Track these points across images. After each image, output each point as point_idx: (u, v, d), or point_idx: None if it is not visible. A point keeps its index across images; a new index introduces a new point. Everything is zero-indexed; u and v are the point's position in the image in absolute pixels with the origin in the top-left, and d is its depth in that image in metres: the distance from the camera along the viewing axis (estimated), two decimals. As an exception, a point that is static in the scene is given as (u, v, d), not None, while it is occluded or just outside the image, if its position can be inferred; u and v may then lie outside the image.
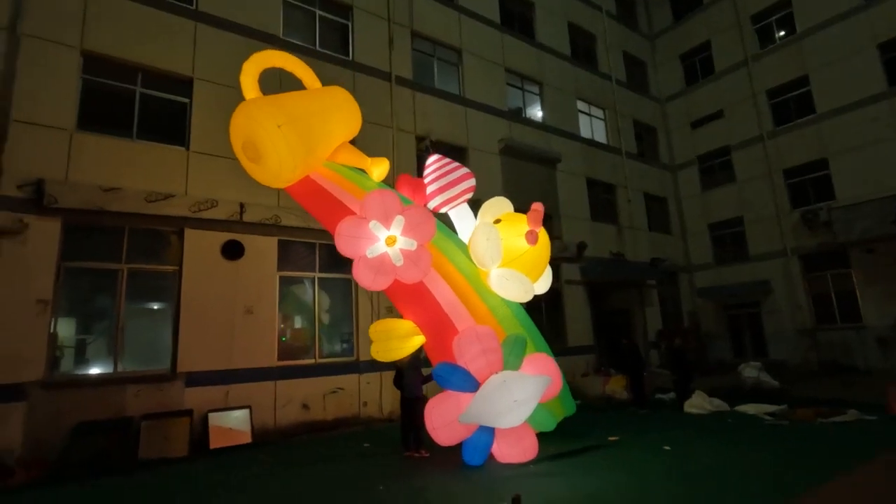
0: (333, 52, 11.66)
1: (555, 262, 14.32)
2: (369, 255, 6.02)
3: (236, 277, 9.15)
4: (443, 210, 7.58)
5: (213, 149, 9.13)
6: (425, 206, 7.47)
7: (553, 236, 14.59)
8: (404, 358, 6.85)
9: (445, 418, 5.97)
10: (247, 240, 9.33)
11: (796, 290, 16.21)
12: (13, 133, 7.62)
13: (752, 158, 17.76)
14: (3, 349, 7.03)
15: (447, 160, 7.82)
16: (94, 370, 7.99)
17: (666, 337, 16.65)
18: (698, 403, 9.25)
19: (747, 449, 6.38)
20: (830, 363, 14.68)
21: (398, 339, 6.60)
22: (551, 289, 14.14)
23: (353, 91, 11.27)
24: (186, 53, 9.49)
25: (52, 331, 7.51)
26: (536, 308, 13.72)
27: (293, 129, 5.60)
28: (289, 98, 5.88)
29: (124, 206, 8.17)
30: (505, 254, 6.65)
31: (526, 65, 15.86)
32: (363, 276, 6.07)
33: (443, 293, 6.71)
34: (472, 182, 7.67)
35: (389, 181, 7.90)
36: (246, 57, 6.63)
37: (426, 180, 7.59)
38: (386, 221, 6.06)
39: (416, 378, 7.01)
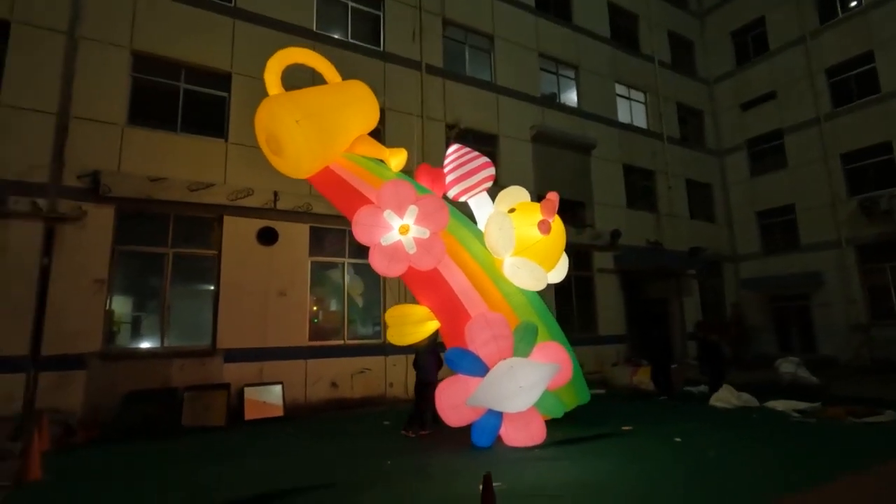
0: (365, 44, 11.94)
1: (587, 250, 14.25)
2: (383, 243, 6.31)
3: (270, 262, 9.72)
4: (462, 199, 7.74)
5: (250, 140, 9.58)
6: (444, 195, 7.69)
7: (585, 224, 14.49)
8: (422, 341, 7.14)
9: (454, 400, 6.21)
10: (280, 226, 9.87)
11: (850, 283, 15.26)
12: (73, 128, 8.40)
13: (806, 142, 16.70)
14: (67, 323, 7.89)
15: (467, 149, 7.94)
16: (145, 344, 8.81)
17: (705, 329, 16.14)
18: (725, 397, 9.04)
19: (762, 445, 6.26)
20: (884, 361, 13.79)
21: (413, 324, 6.89)
22: (583, 277, 14.19)
23: (384, 81, 11.63)
24: (225, 49, 10.04)
25: (107, 308, 8.34)
26: (566, 296, 13.70)
27: (310, 124, 5.93)
28: (308, 94, 6.20)
29: (169, 195, 8.85)
30: (518, 243, 6.76)
31: (561, 49, 15.55)
32: (378, 263, 6.37)
33: (457, 280, 6.92)
34: (491, 171, 7.77)
35: (411, 170, 8.15)
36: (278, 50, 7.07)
37: (445, 169, 7.75)
38: (399, 211, 6.31)
39: (431, 362, 7.29)
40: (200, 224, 9.38)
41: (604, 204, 15.21)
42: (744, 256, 18.30)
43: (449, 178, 7.67)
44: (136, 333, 8.90)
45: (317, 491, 4.73)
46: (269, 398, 9.03)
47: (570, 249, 13.89)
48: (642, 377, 11.87)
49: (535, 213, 6.99)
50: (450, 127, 12.61)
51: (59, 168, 8.20)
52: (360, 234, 6.31)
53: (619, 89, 16.92)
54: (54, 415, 7.30)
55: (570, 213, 14.88)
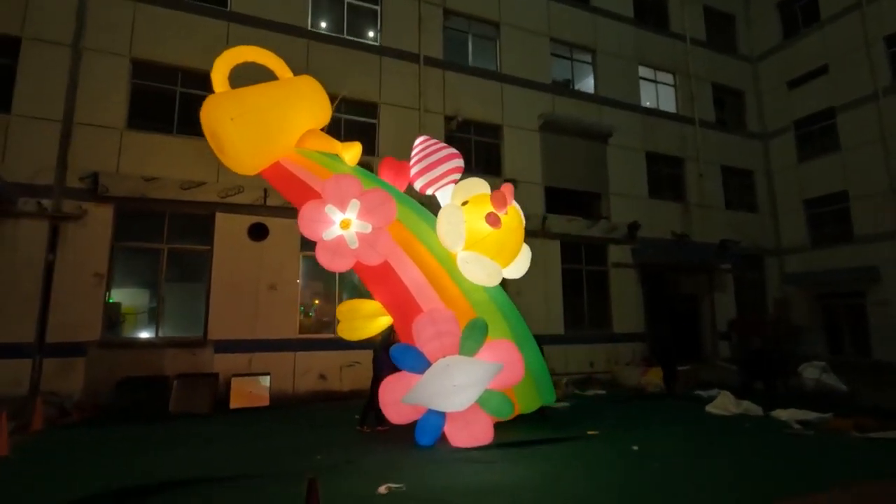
0: (361, 39, 11.98)
1: (601, 244, 13.56)
2: (325, 238, 6.30)
3: (261, 257, 10.05)
4: (428, 192, 7.58)
5: (240, 139, 10.00)
6: (409, 186, 7.58)
7: (600, 216, 13.79)
8: (376, 336, 7.09)
9: (395, 397, 6.13)
10: (271, 222, 10.16)
11: (911, 279, 13.51)
12: (76, 134, 9.07)
13: (861, 121, 14.90)
14: (69, 314, 8.57)
15: (433, 141, 7.77)
16: (140, 334, 9.39)
17: (740, 328, 14.93)
18: (722, 404, 8.30)
19: (729, 457, 5.67)
20: (948, 368, 12.13)
21: (362, 318, 6.87)
22: (596, 271, 13.56)
23: (381, 75, 11.60)
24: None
25: (106, 300, 8.96)
26: (577, 291, 13.16)
27: (245, 122, 6.03)
28: (247, 91, 6.29)
29: (163, 194, 9.36)
30: (469, 236, 6.53)
31: (577, 32, 14.83)
32: (322, 258, 6.37)
33: (410, 275, 6.78)
34: (458, 163, 7.54)
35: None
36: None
37: (412, 161, 7.63)
38: (341, 205, 6.27)
39: (384, 358, 7.22)
40: (194, 221, 9.84)
41: (621, 195, 14.40)
42: (789, 249, 16.70)
43: (414, 171, 7.53)
44: (133, 324, 9.51)
45: (219, 483, 4.81)
46: (255, 388, 9.36)
47: (582, 243, 13.44)
48: (652, 378, 11.19)
49: (488, 205, 6.70)
50: (449, 119, 12.41)
51: (63, 171, 8.88)
52: (304, 229, 6.32)
53: (644, 72, 15.90)
54: (51, 397, 7.98)
55: (583, 204, 14.25)
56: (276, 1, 11.08)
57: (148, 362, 8.94)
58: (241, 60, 6.58)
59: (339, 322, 7.00)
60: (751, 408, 8.15)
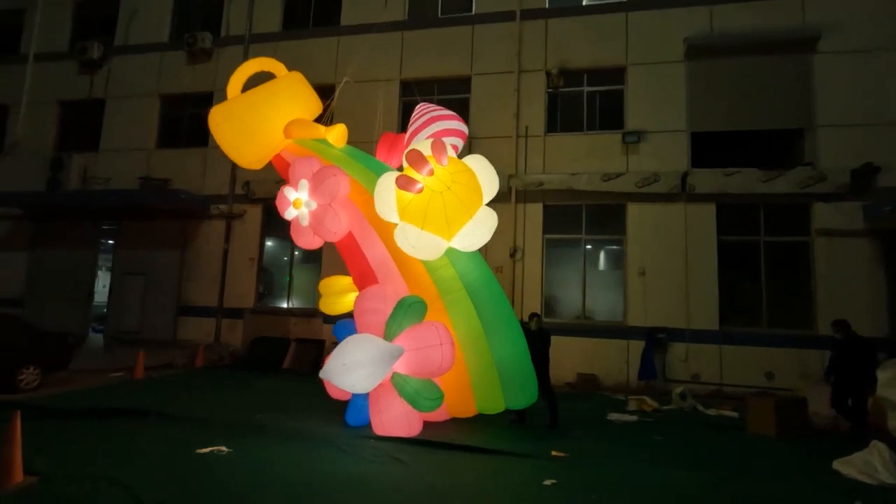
0: (454, 14, 11.71)
1: (798, 203, 9.47)
2: (287, 218, 6.79)
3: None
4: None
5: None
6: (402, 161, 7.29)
7: (794, 162, 9.58)
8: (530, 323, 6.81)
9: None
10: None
11: None
12: (239, 154, 12.16)
13: None
14: (236, 287, 11.68)
15: (431, 106, 7.20)
16: (279, 304, 11.91)
17: None
18: (864, 463, 4.76)
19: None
20: None
21: (335, 294, 7.02)
22: (787, 244, 9.52)
23: (473, 45, 11.16)
24: (341, 65, 12.04)
25: (256, 277, 11.78)
26: (748, 272, 9.66)
27: (229, 124, 7.00)
28: (237, 98, 7.21)
29: (289, 192, 11.55)
30: (398, 205, 5.87)
31: None
32: (292, 237, 6.93)
33: (375, 250, 6.59)
34: (452, 125, 6.84)
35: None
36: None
37: (408, 133, 7.31)
38: (294, 185, 6.64)
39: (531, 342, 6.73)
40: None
41: (839, 126, 9.45)
42: None
43: (406, 139, 7.20)
44: (272, 297, 12.12)
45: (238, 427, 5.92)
46: (348, 356, 10.58)
47: (759, 204, 9.46)
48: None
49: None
50: (550, 75, 10.80)
51: (234, 182, 12.07)
52: (279, 211, 6.96)
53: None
54: (218, 346, 11.11)
55: (759, 150, 10.10)
56: (377, 6, 11.90)
57: (278, 326, 11.30)
58: (250, 73, 7.64)
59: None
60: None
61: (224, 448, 4.90)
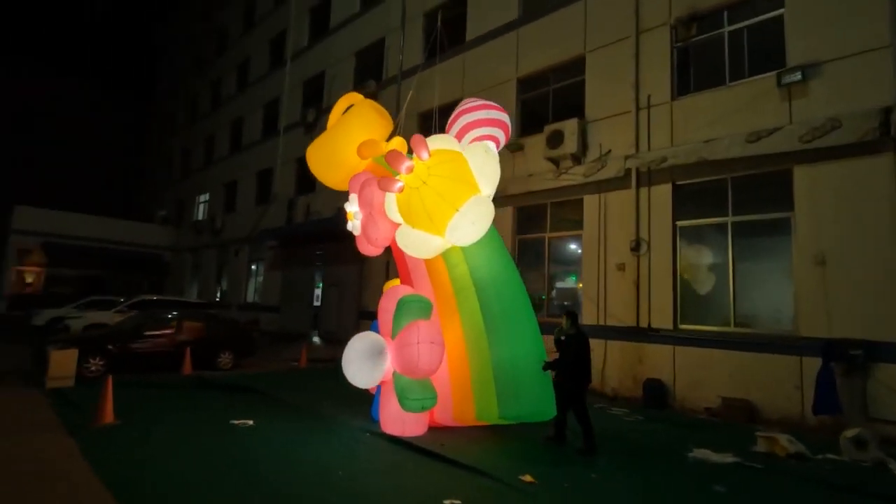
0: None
1: None
2: (350, 230, 7.68)
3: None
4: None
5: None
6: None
7: None
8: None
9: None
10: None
11: None
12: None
13: None
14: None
15: (476, 101, 7.05)
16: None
17: None
18: None
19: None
20: None
21: (391, 297, 7.45)
22: None
23: (585, 18, 10.29)
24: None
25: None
26: None
27: (314, 155, 8.31)
28: (325, 131, 8.45)
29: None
30: (398, 205, 6.03)
31: None
32: (357, 247, 7.78)
33: (412, 253, 6.89)
34: (486, 114, 6.74)
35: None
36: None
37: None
38: (350, 199, 7.48)
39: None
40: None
41: None
42: None
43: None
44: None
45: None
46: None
47: None
48: None
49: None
50: (676, 28, 8.81)
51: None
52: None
53: None
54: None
55: None
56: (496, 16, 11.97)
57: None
58: (342, 108, 8.90)
59: (384, 298, 7.83)
60: None
61: (250, 421, 5.95)
